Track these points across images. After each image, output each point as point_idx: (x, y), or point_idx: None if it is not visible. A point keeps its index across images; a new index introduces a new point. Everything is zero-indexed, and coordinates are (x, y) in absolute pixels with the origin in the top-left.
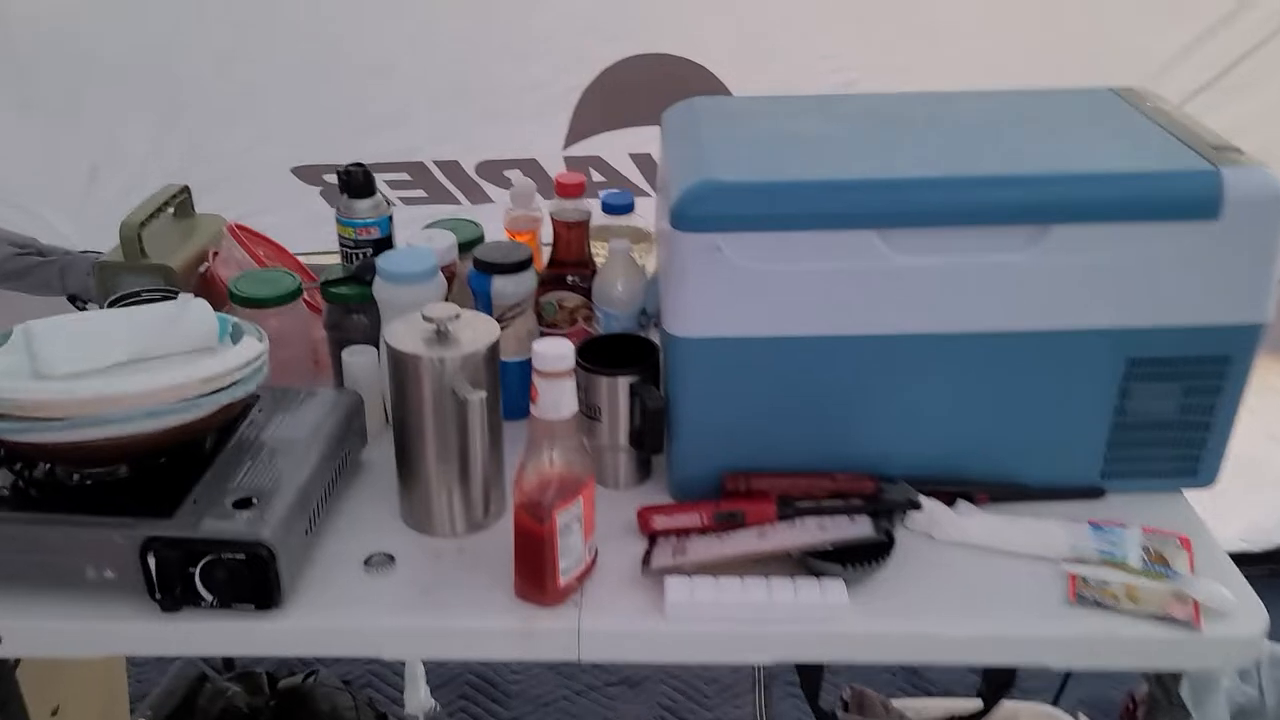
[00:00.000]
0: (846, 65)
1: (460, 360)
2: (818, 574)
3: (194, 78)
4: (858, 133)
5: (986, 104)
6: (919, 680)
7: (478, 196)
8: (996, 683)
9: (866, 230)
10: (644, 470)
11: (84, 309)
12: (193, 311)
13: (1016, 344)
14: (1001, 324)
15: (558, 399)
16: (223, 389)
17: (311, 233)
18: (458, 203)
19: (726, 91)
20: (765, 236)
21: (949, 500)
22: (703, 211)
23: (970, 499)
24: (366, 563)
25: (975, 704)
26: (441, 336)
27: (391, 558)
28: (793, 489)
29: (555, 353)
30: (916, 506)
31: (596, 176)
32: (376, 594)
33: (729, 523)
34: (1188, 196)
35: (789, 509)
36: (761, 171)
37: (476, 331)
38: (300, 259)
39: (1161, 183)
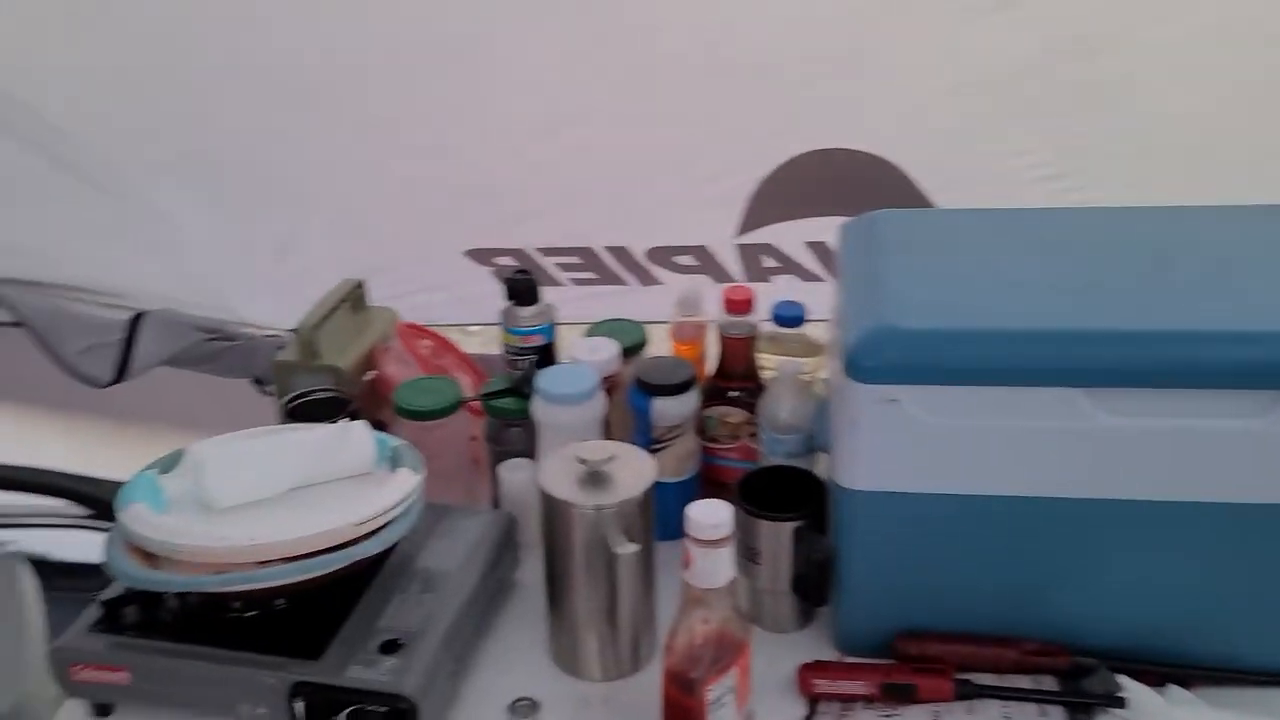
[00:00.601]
0: (1046, 162)
1: (615, 508)
2: None
3: (370, 175)
4: (1062, 264)
5: (1216, 224)
6: None
7: (646, 279)
8: None
9: (1070, 388)
10: (806, 615)
11: (267, 391)
12: (354, 437)
13: (1245, 516)
14: (1228, 494)
15: (714, 568)
16: (375, 533)
17: (482, 307)
18: (626, 284)
19: (913, 189)
20: (951, 391)
21: (1156, 682)
22: (879, 362)
23: (1182, 683)
24: (511, 709)
25: None
26: (595, 479)
27: (536, 704)
28: (973, 659)
29: (711, 520)
30: (1120, 704)
31: (769, 262)
32: None
33: (899, 696)
34: None
35: (968, 688)
36: (948, 316)
37: (632, 472)
38: (464, 334)
39: None
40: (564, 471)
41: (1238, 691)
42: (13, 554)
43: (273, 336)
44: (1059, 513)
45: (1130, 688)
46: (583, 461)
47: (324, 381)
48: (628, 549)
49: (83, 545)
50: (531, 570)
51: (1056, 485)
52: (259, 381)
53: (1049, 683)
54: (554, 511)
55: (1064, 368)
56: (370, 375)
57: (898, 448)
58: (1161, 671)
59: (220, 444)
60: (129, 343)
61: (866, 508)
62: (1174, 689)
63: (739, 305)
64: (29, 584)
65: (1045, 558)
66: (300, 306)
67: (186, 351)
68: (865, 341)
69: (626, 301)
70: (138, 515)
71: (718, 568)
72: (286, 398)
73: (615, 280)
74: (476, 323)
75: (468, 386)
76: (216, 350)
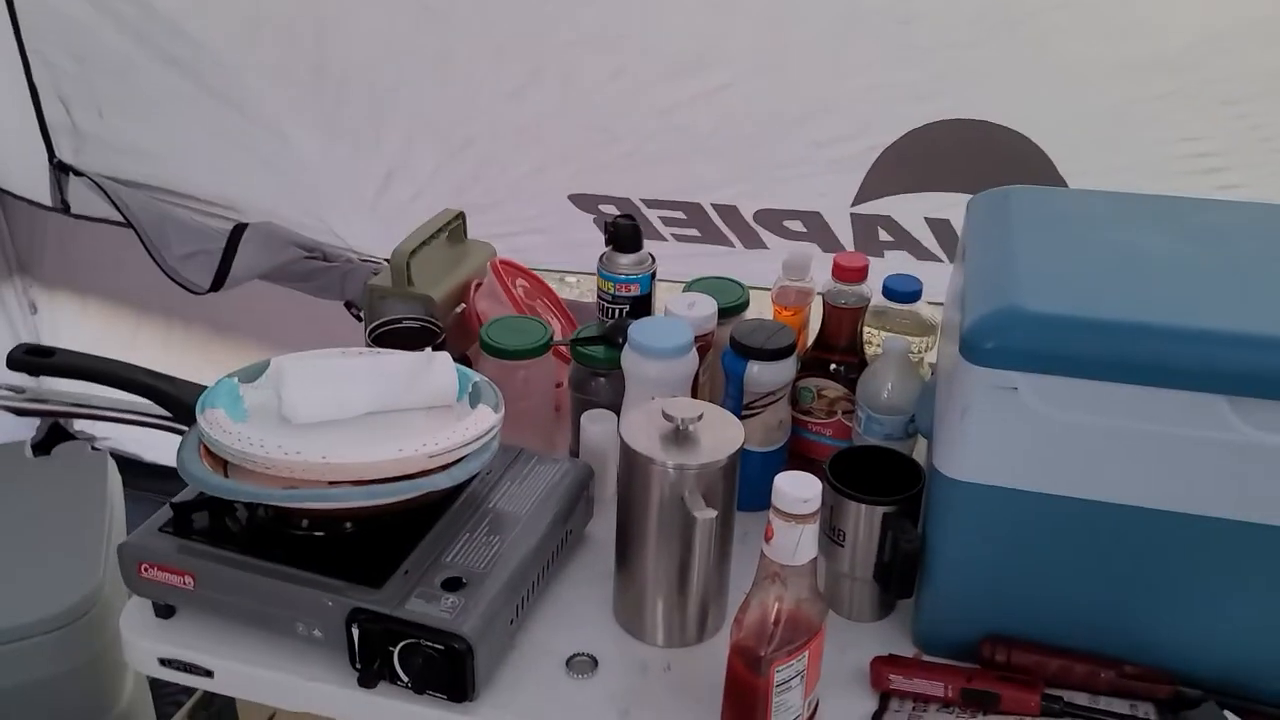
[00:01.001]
0: (1214, 151)
1: (696, 470)
2: None
3: (487, 108)
4: (1213, 259)
5: None
6: None
7: (752, 242)
8: None
9: (1212, 395)
10: (886, 606)
11: (358, 315)
12: (436, 368)
13: None
14: None
15: (796, 544)
16: (448, 466)
17: (578, 254)
18: (731, 245)
19: (1053, 170)
20: (1076, 384)
21: None
22: (1000, 345)
23: None
24: (568, 663)
25: None
26: (680, 437)
27: (595, 661)
28: (1064, 674)
29: (799, 494)
30: None
31: (884, 236)
32: (574, 705)
33: (978, 703)
34: None
35: (1056, 705)
36: (1081, 303)
37: (718, 436)
38: (560, 281)
39: None
40: (648, 426)
41: None
42: (101, 451)
43: (370, 261)
44: (1181, 529)
45: None
46: (669, 418)
47: (415, 310)
48: (706, 514)
49: (172, 448)
50: (603, 525)
51: (1183, 500)
52: (351, 305)
53: (1147, 711)
54: (633, 466)
55: (1209, 371)
56: (460, 308)
57: (1010, 440)
58: (1274, 714)
59: (303, 359)
60: (229, 252)
61: (967, 501)
62: None
63: (851, 273)
64: (115, 482)
65: (1158, 576)
66: (398, 236)
67: (284, 267)
68: (986, 322)
69: (727, 264)
70: (215, 420)
71: (801, 544)
72: (375, 323)
73: (720, 240)
74: (574, 270)
75: (558, 331)
76: (313, 269)
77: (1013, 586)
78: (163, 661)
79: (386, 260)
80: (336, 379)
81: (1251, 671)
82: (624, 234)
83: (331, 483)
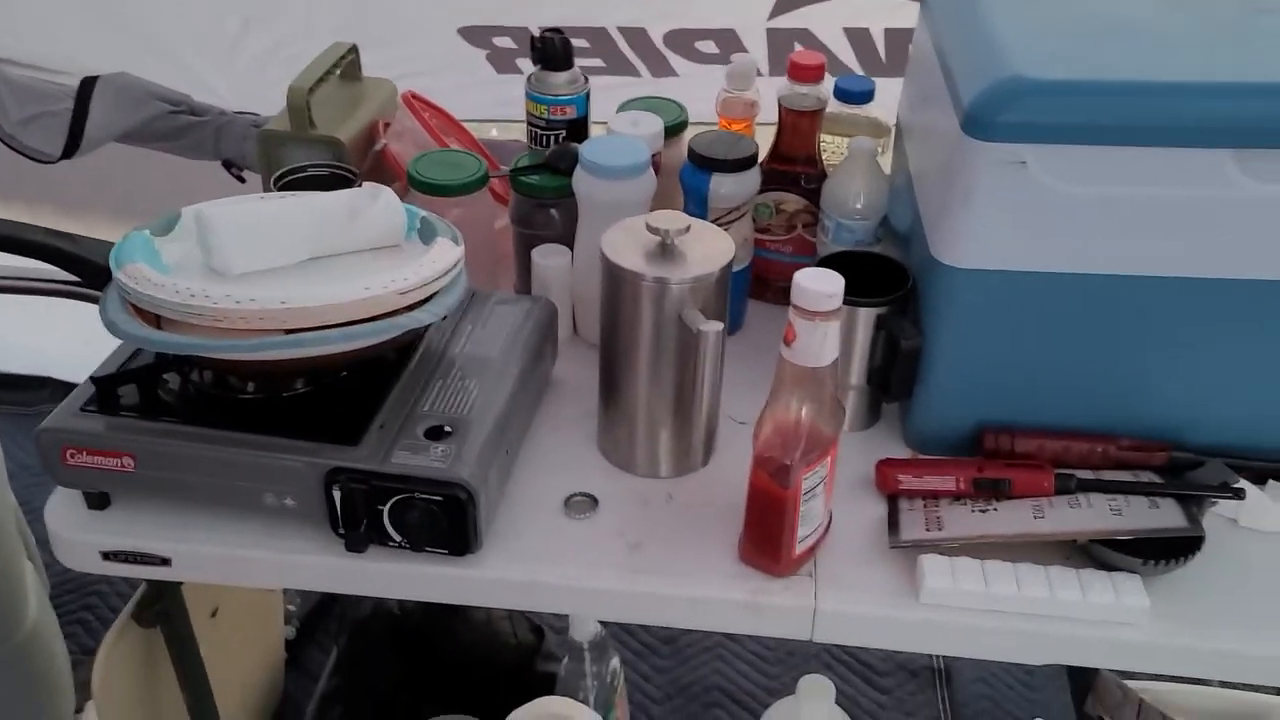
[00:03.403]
0: None
1: (690, 284)
2: (1109, 567)
3: None
4: (1195, 19)
5: None
6: None
7: (661, 69)
8: None
9: (1218, 149)
10: (874, 412)
11: (239, 176)
12: (380, 204)
13: None
14: None
15: (821, 344)
16: (422, 302)
17: (473, 98)
18: (638, 75)
19: None
20: (1085, 151)
21: (1258, 479)
22: (1008, 117)
23: None
24: (566, 503)
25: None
26: (666, 251)
27: (594, 500)
28: (1067, 454)
29: (824, 289)
30: (1239, 495)
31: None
32: (581, 545)
33: (992, 492)
34: None
35: (1070, 482)
36: (1082, 68)
37: (707, 248)
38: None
39: None
40: (631, 242)
41: None
42: None
43: (246, 113)
44: (1188, 294)
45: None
46: (655, 231)
47: (322, 155)
48: (712, 326)
49: (17, 352)
50: (565, 366)
51: (1190, 264)
52: (230, 165)
53: (1149, 478)
54: (619, 285)
55: (1213, 126)
56: (380, 146)
57: (1018, 219)
58: (1264, 469)
59: (225, 205)
60: (81, 110)
61: (971, 289)
62: (1275, 485)
63: (810, 71)
64: None
65: (1162, 345)
66: (263, 85)
67: (147, 125)
68: (992, 94)
69: (636, 95)
70: (141, 275)
71: (825, 344)
72: (279, 172)
73: (627, 69)
74: (464, 119)
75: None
76: (181, 125)
77: (1011, 374)
78: (106, 555)
79: (251, 112)
80: (268, 223)
81: (1248, 429)
82: (552, 50)
83: (287, 331)
